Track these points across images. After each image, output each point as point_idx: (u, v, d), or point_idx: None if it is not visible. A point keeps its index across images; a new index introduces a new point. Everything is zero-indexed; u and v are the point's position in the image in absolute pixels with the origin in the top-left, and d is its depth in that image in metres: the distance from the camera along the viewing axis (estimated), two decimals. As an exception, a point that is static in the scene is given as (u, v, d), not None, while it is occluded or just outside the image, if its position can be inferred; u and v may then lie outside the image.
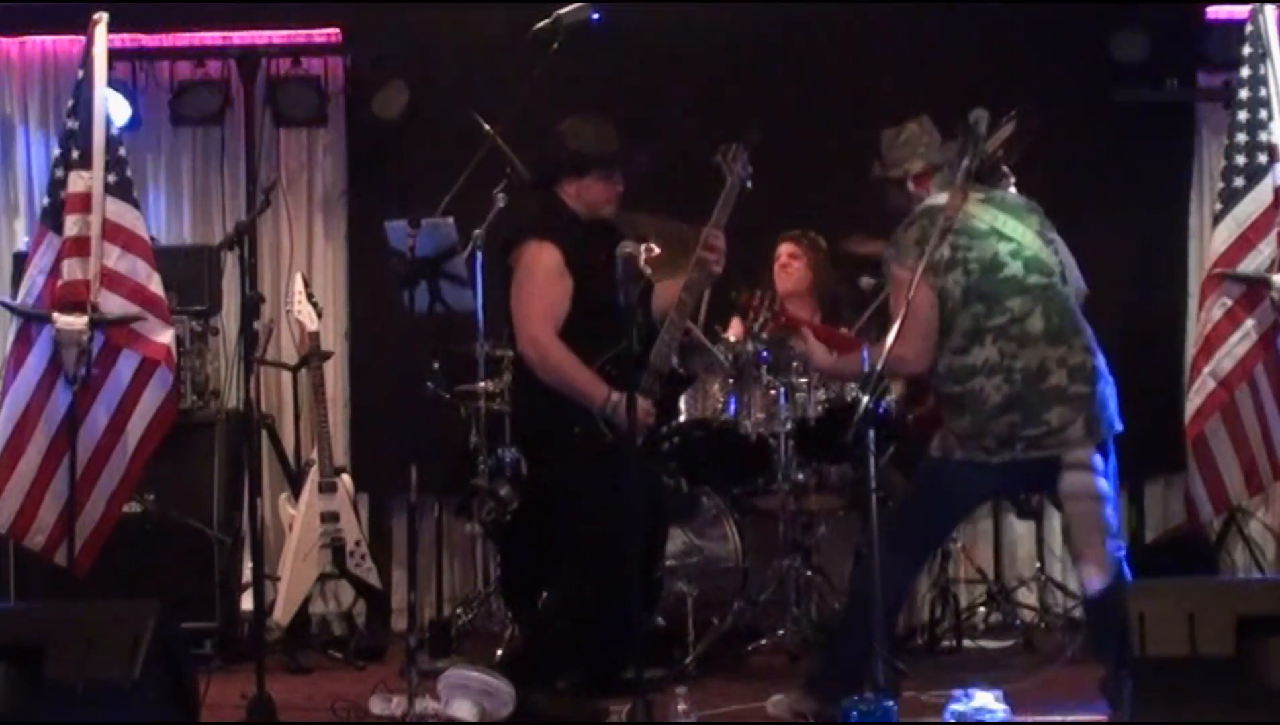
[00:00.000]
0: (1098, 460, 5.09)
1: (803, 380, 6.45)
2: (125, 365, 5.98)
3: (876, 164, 5.41)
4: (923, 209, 5.23)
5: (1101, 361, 5.18)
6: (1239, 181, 6.26)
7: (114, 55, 6.31)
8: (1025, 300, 5.10)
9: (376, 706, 5.43)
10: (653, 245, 5.76)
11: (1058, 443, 5.05)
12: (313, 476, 6.77)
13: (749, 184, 5.70)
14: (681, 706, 5.14)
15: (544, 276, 5.46)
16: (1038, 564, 7.06)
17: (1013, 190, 6.41)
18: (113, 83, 6.31)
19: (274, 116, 7.56)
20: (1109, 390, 5.16)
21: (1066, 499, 5.09)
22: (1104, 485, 5.07)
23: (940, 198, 5.20)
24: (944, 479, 5.09)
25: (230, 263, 6.35)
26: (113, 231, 5.98)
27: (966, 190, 5.10)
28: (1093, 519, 5.07)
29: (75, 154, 5.97)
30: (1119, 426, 5.17)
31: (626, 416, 5.02)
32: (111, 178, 5.99)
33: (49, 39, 7.75)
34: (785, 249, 7.10)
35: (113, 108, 6.18)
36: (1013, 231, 5.19)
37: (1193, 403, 6.20)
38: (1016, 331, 5.08)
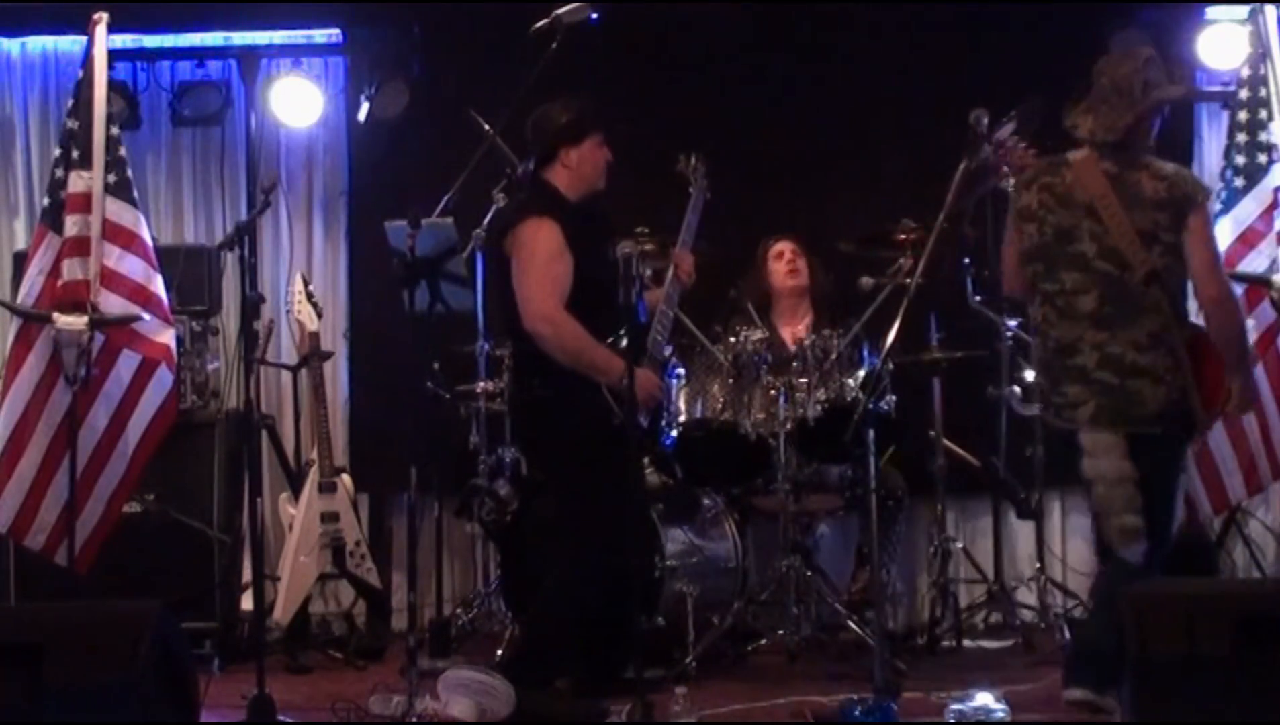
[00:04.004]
0: (1105, 439, 4.98)
1: (803, 380, 6.44)
2: (125, 365, 5.99)
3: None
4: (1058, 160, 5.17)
5: (1152, 362, 4.97)
6: (1239, 181, 6.27)
7: (114, 55, 6.32)
8: (1083, 278, 5.02)
9: (376, 706, 5.43)
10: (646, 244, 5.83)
11: (1070, 418, 5.05)
12: (313, 476, 6.77)
13: (708, 195, 5.92)
14: (681, 706, 5.15)
15: (546, 253, 5.41)
16: (1038, 564, 7.04)
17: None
18: (113, 83, 6.33)
19: (274, 116, 7.56)
20: (1149, 390, 4.97)
21: (1086, 483, 5.07)
22: (1115, 468, 4.97)
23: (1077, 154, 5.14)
24: None
25: (230, 263, 6.38)
26: (113, 231, 5.99)
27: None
28: (1109, 501, 4.99)
29: (75, 154, 5.98)
30: (1151, 429, 4.97)
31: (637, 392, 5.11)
32: (111, 178, 6.00)
33: (49, 39, 7.75)
34: (787, 247, 7.02)
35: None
36: (1109, 218, 4.99)
37: (1193, 402, 6.19)
38: (1062, 303, 5.05)
